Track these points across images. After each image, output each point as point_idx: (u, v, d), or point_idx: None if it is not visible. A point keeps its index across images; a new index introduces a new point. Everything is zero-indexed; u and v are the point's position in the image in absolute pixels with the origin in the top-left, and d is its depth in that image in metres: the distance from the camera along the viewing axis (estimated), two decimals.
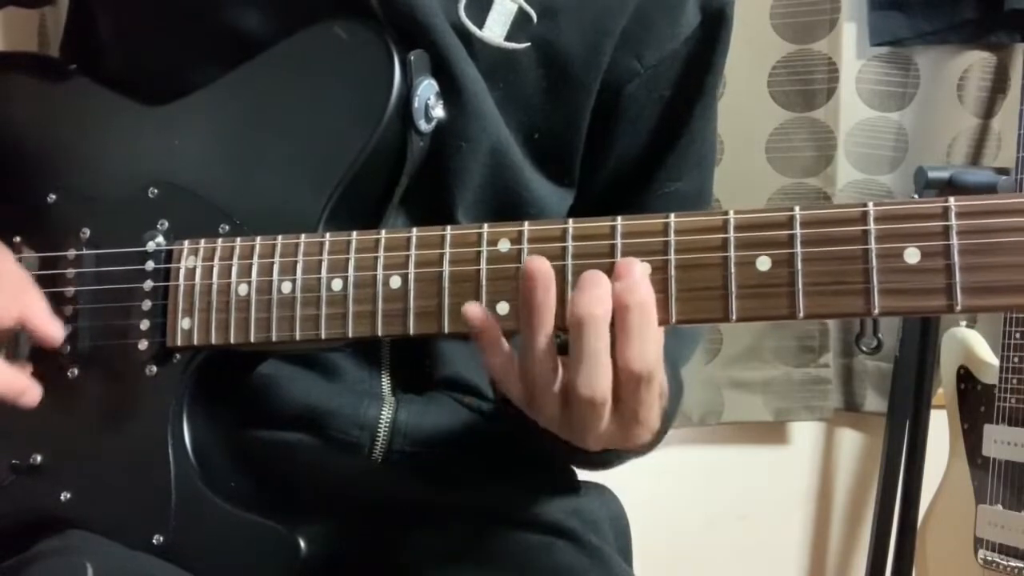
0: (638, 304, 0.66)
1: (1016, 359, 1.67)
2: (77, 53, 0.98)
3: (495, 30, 0.85)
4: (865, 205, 0.64)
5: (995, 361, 1.72)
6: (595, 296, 0.66)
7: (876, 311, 0.63)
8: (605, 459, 0.85)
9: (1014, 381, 1.68)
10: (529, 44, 0.86)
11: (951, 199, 0.62)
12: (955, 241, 0.62)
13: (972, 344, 1.78)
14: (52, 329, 0.81)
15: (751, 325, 1.96)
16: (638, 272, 0.66)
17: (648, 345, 0.66)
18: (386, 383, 0.91)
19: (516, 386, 0.70)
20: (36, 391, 0.80)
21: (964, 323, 1.84)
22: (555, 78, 0.88)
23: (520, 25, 0.85)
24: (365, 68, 0.80)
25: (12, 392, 0.79)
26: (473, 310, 0.69)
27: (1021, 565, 1.65)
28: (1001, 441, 1.69)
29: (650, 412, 0.69)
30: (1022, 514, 1.66)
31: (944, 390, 1.81)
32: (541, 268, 0.67)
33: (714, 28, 0.92)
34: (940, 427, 1.83)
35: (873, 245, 0.63)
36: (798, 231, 0.65)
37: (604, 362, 0.66)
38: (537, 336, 0.67)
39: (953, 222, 0.62)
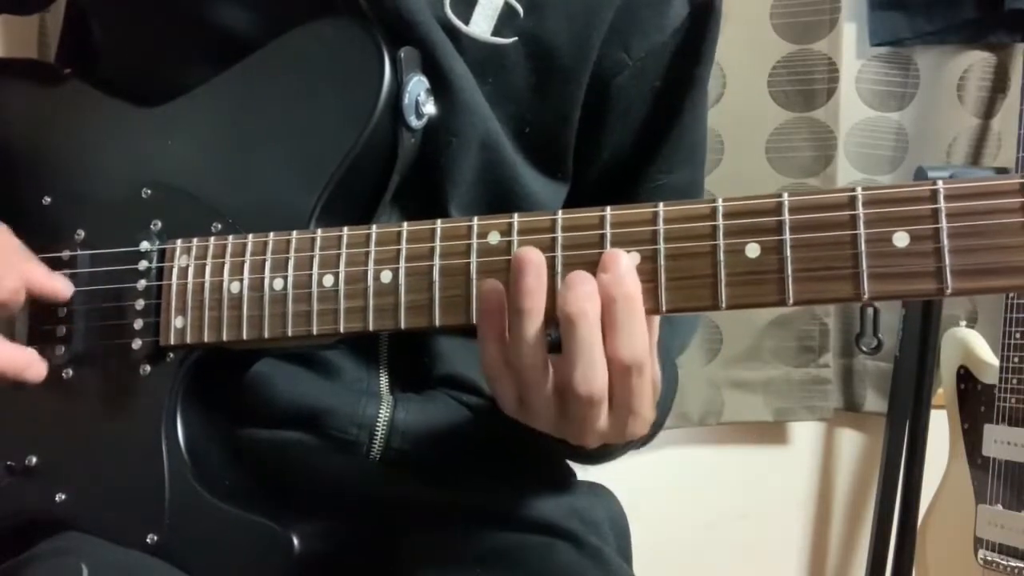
0: (624, 296, 0.66)
1: (1016, 359, 1.67)
2: (72, 57, 0.99)
3: (481, 25, 0.85)
4: (854, 190, 0.63)
5: (995, 361, 1.71)
6: (585, 292, 0.66)
7: (866, 295, 0.62)
8: (604, 453, 0.85)
9: (1014, 381, 1.68)
10: (516, 39, 0.86)
11: (939, 182, 0.61)
12: (944, 224, 0.61)
13: (972, 344, 1.77)
14: (58, 284, 0.82)
15: (751, 324, 1.96)
16: (624, 264, 0.66)
17: (636, 336, 0.66)
18: (384, 382, 0.91)
19: (508, 388, 0.70)
20: (40, 366, 0.80)
21: (964, 323, 1.84)
22: (544, 72, 0.88)
23: (506, 20, 0.86)
24: (355, 66, 0.81)
25: (15, 367, 0.78)
26: (487, 287, 0.69)
27: (1021, 565, 1.65)
28: (1001, 441, 1.69)
29: (643, 403, 0.69)
30: (1022, 514, 1.65)
31: (944, 390, 1.81)
32: (531, 256, 0.67)
33: (702, 19, 0.92)
34: (940, 427, 1.82)
35: (862, 230, 0.63)
36: (787, 217, 0.64)
37: (599, 358, 0.66)
38: (525, 323, 0.67)
39: (942, 205, 0.61)
